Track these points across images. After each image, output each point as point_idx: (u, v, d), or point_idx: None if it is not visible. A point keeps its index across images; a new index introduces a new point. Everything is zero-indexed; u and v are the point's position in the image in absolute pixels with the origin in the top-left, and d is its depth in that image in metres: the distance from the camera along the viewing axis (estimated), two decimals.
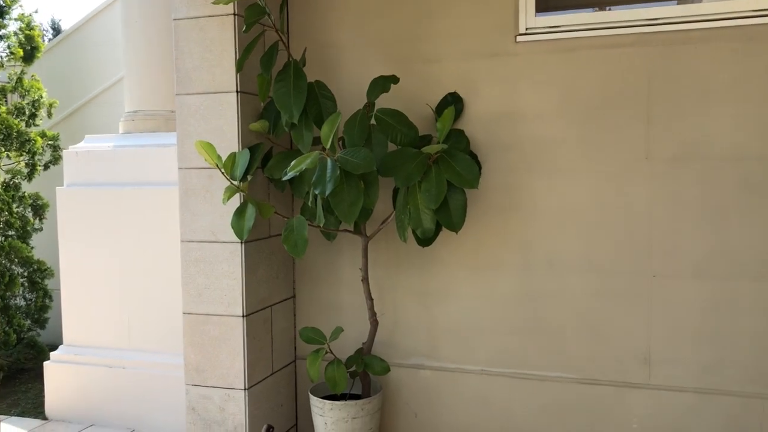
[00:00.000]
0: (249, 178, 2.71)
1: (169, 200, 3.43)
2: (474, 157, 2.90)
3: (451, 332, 3.10)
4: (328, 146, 2.38)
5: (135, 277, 3.56)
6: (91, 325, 3.64)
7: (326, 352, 2.89)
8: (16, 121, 4.26)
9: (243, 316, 2.93)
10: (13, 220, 4.16)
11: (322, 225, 2.53)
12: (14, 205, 4.19)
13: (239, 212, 2.67)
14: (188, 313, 3.02)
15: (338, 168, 2.34)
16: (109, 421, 3.56)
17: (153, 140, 3.62)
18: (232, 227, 2.69)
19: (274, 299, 3.16)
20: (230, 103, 2.87)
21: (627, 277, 2.85)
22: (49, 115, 4.62)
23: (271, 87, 2.71)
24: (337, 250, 3.23)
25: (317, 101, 2.68)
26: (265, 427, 1.92)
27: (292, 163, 2.37)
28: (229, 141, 2.89)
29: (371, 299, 2.94)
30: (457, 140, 2.69)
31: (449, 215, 2.56)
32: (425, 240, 2.69)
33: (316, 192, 2.32)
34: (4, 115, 4.23)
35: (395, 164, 2.52)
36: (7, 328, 4.18)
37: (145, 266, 3.54)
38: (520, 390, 3.02)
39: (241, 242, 2.89)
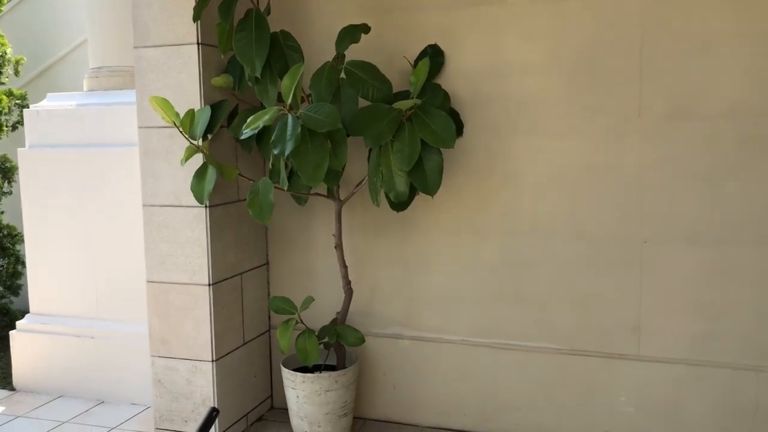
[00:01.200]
0: (209, 137, 2.51)
1: (136, 162, 3.23)
2: (455, 115, 2.70)
3: (430, 301, 2.94)
4: (289, 101, 2.18)
5: (103, 243, 3.38)
6: (59, 293, 3.48)
7: (297, 323, 2.73)
8: None
9: (209, 284, 2.76)
10: None
11: (286, 188, 2.34)
12: None
13: (199, 174, 2.48)
14: (152, 282, 2.85)
15: (299, 126, 2.14)
16: (78, 392, 3.42)
17: (118, 98, 3.41)
18: (192, 190, 2.50)
19: (244, 266, 2.99)
20: (191, 57, 2.66)
21: (616, 243, 2.68)
22: (16, 72, 4.39)
23: (233, 38, 2.49)
24: (311, 214, 3.05)
25: (282, 53, 2.47)
26: (208, 410, 1.77)
27: (248, 120, 2.18)
28: (190, 97, 2.68)
29: (345, 267, 2.77)
30: (433, 95, 2.48)
31: (424, 177, 2.36)
32: (399, 204, 2.51)
33: (275, 152, 2.13)
34: None
35: (365, 122, 2.32)
36: None
37: (113, 232, 3.37)
38: (503, 361, 2.87)
39: (205, 206, 2.71)
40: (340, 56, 2.46)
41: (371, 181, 2.45)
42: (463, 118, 2.75)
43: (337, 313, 2.85)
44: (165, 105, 2.39)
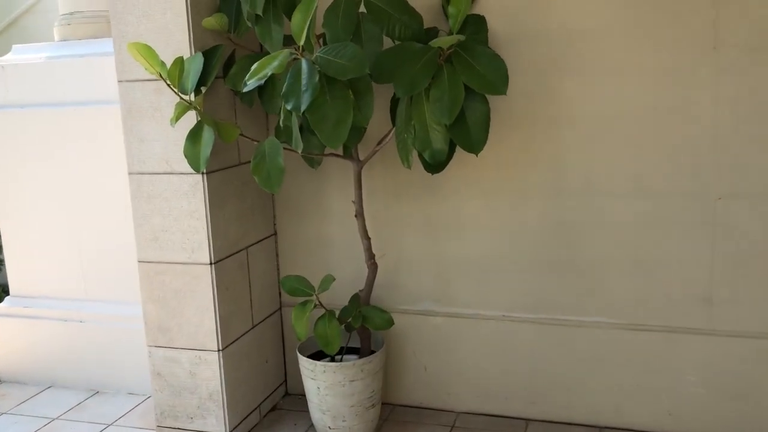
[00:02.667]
0: (203, 90, 2.08)
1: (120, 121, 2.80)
2: None
3: (465, 272, 2.56)
4: (301, 42, 1.75)
5: (87, 215, 2.98)
6: (40, 272, 3.09)
7: (315, 305, 2.35)
8: None
9: (211, 263, 2.37)
10: None
11: (300, 151, 1.93)
12: None
13: (193, 136, 2.07)
14: (144, 262, 2.45)
15: (317, 72, 1.72)
16: (70, 382, 3.07)
17: (96, 48, 2.95)
18: (186, 155, 2.09)
19: (249, 239, 2.60)
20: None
21: (685, 201, 2.29)
22: None
23: None
24: (324, 176, 2.65)
25: None
26: None
27: (253, 67, 1.75)
28: (178, 43, 2.24)
29: (368, 238, 2.38)
30: (477, 30, 2.04)
31: (467, 132, 1.95)
32: (435, 165, 2.09)
33: (289, 108, 1.71)
34: None
35: (393, 65, 1.89)
36: None
37: (98, 202, 2.96)
38: (550, 338, 2.51)
39: (202, 173, 2.30)
40: None
41: (400, 139, 2.03)
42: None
43: (360, 290, 2.47)
44: (147, 52, 1.96)
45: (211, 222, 2.35)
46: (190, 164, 2.07)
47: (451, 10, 1.89)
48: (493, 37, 2.30)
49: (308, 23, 1.74)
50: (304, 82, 1.70)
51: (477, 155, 1.99)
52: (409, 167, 2.04)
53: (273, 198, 2.75)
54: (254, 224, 2.62)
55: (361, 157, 2.32)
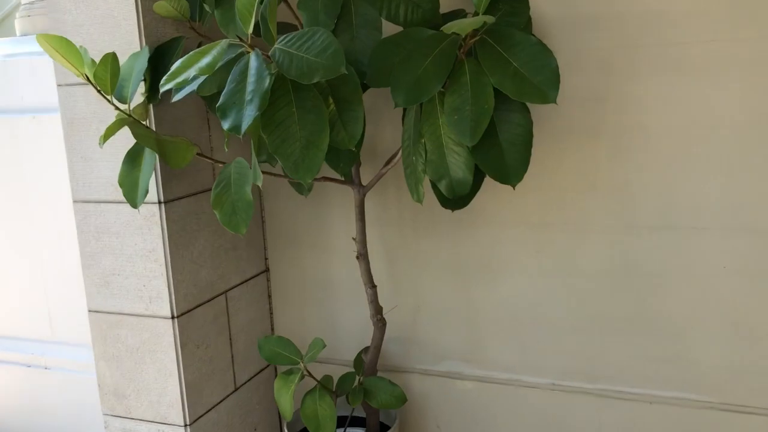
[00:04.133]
0: (151, 97, 1.55)
1: None
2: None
3: (504, 326, 1.98)
4: (249, 29, 1.20)
5: (54, 244, 2.49)
6: (3, 308, 2.63)
7: (303, 375, 1.80)
8: None
9: (173, 317, 1.85)
10: None
11: (259, 183, 1.38)
12: None
13: (131, 159, 1.54)
14: (94, 311, 1.95)
15: (269, 74, 1.16)
16: None
17: None
18: (120, 185, 1.57)
19: (231, 281, 2.07)
20: None
21: None
22: None
23: None
24: (327, 200, 2.10)
25: None
26: None
27: (175, 65, 1.21)
28: (125, 35, 1.72)
29: (373, 286, 1.82)
30: (514, 11, 1.43)
31: (499, 156, 1.36)
32: (455, 200, 1.51)
33: (226, 126, 1.16)
34: None
35: (392, 61, 1.32)
36: None
37: (65, 229, 2.47)
38: (614, 416, 1.91)
39: (159, 203, 1.78)
40: None
41: (407, 162, 1.47)
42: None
43: (365, 350, 1.92)
44: (64, 47, 1.44)
45: (173, 264, 1.83)
46: (125, 196, 1.54)
47: None
48: (537, 22, 1.71)
49: (263, 2, 1.19)
50: (249, 88, 1.15)
51: (514, 187, 1.40)
52: (419, 201, 1.47)
53: (264, 227, 2.22)
54: (237, 262, 2.10)
55: (365, 182, 1.76)
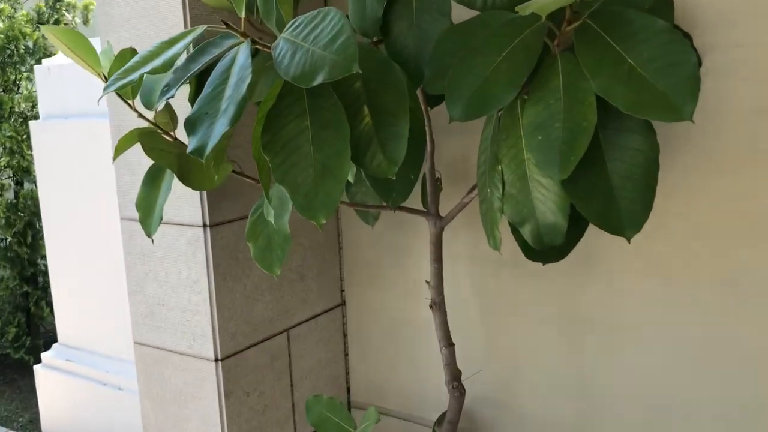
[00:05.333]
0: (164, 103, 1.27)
1: None
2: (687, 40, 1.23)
3: (624, 405, 1.52)
4: (242, 12, 0.87)
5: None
6: (86, 319, 2.52)
7: None
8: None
9: (216, 359, 1.58)
10: (26, 164, 3.12)
11: (272, 220, 1.05)
12: (25, 146, 3.14)
13: (150, 180, 1.27)
14: (139, 344, 1.73)
15: (251, 72, 0.82)
16: None
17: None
18: (137, 209, 1.30)
19: (295, 317, 1.77)
20: None
21: None
22: (86, 21, 3.48)
23: None
24: (414, 227, 1.75)
25: None
26: None
27: (134, 60, 0.91)
28: (172, 30, 1.47)
29: (450, 344, 1.43)
30: None
31: (608, 194, 0.93)
32: (544, 252, 1.08)
33: (190, 149, 0.84)
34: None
35: (453, 57, 0.94)
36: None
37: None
38: None
39: (204, 226, 1.52)
40: None
41: (483, 194, 1.08)
42: (699, 48, 1.27)
43: (437, 424, 1.54)
44: (74, 41, 1.20)
45: (218, 298, 1.55)
46: (140, 222, 1.28)
47: None
48: (682, 11, 1.25)
49: None
50: (227, 92, 0.83)
51: (629, 240, 0.96)
52: (495, 248, 1.07)
53: (341, 254, 1.90)
54: (305, 294, 1.79)
55: (444, 212, 1.39)
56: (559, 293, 1.55)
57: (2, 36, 2.99)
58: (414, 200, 1.33)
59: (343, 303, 1.93)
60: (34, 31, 3.20)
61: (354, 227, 1.84)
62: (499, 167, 1.01)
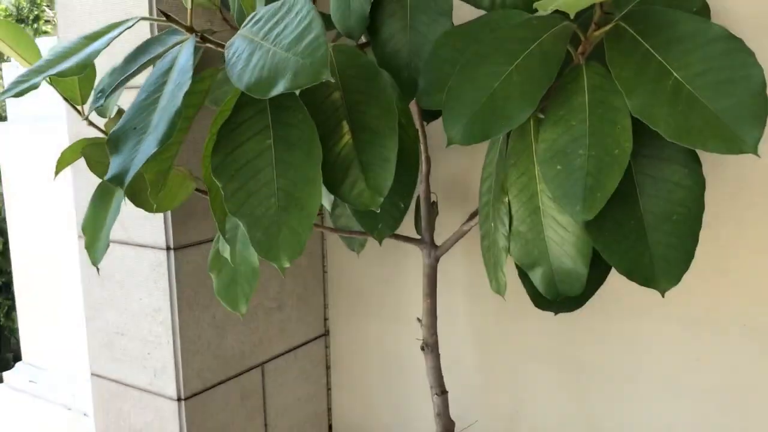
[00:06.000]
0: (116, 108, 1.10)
1: None
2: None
3: None
4: (188, 2, 0.70)
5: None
6: (51, 337, 2.34)
7: None
8: None
9: (179, 398, 1.40)
10: None
11: (228, 257, 0.87)
12: None
13: (100, 196, 1.09)
14: (96, 375, 1.55)
15: (190, 79, 0.65)
16: None
17: None
18: (83, 232, 1.12)
19: (270, 349, 1.60)
20: None
21: None
22: None
23: None
24: (405, 254, 1.57)
25: None
26: None
27: (39, 62, 0.73)
28: (135, 29, 1.29)
29: (443, 392, 1.26)
30: None
31: (641, 238, 0.76)
32: (556, 302, 0.91)
33: (108, 176, 0.67)
34: None
35: (447, 63, 0.77)
36: None
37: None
38: None
39: (167, 249, 1.34)
40: None
41: (485, 228, 0.90)
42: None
43: None
44: (11, 35, 1.02)
45: (182, 329, 1.38)
46: (86, 248, 1.10)
47: None
48: (726, 20, 1.08)
49: None
50: (162, 103, 0.66)
51: (663, 294, 0.79)
52: (498, 292, 0.90)
53: (325, 280, 1.73)
54: (282, 324, 1.61)
55: (439, 240, 1.21)
56: (569, 334, 1.37)
57: None
58: (407, 225, 1.16)
59: (326, 333, 1.75)
60: None
61: (341, 249, 1.67)
62: (506, 198, 0.83)
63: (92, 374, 1.55)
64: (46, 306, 2.33)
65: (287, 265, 0.71)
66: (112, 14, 1.35)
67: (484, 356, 1.48)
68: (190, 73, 0.65)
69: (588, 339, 1.35)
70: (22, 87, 0.67)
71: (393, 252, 1.58)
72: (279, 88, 0.61)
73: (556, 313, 0.93)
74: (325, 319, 1.74)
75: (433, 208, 1.24)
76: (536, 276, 0.84)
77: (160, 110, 0.64)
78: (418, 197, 1.19)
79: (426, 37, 0.86)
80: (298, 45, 0.61)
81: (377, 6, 0.89)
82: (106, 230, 1.04)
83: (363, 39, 0.92)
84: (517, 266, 0.87)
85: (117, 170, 0.64)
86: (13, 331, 3.18)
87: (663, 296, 0.78)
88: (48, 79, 1.04)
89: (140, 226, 1.37)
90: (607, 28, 0.72)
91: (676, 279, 0.76)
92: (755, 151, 0.63)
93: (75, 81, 1.07)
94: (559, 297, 0.84)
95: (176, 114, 0.62)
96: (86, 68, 0.67)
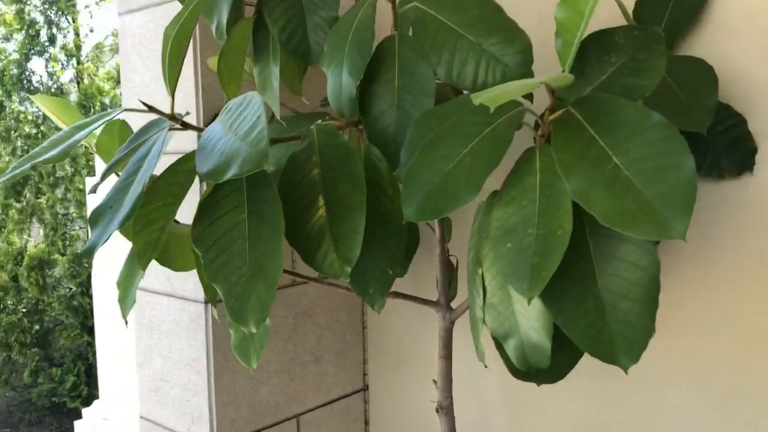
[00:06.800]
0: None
1: None
2: (736, 121, 1.07)
3: None
4: (172, 89, 0.78)
5: None
6: (125, 378, 2.49)
7: None
8: None
9: None
10: None
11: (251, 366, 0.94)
12: None
13: (131, 257, 1.19)
14: (144, 419, 1.65)
15: (153, 163, 0.72)
16: None
17: None
18: (117, 287, 1.23)
19: (307, 402, 1.65)
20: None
21: None
22: None
23: None
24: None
25: None
26: None
27: (41, 145, 0.82)
28: (184, 99, 1.43)
29: None
30: (637, 66, 0.82)
31: (599, 316, 0.77)
32: (527, 372, 0.91)
33: (83, 250, 0.75)
34: None
35: (417, 148, 0.82)
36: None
37: None
38: None
39: (205, 302, 1.44)
40: None
41: (471, 297, 0.93)
42: (756, 128, 1.09)
43: None
44: (61, 109, 1.17)
45: (217, 379, 1.46)
46: (118, 302, 1.20)
47: (558, 14, 0.74)
48: (733, 86, 1.08)
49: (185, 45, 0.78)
50: (132, 187, 0.73)
51: (626, 371, 0.79)
52: (480, 359, 0.92)
53: (365, 334, 1.78)
54: (319, 378, 1.67)
55: (455, 304, 1.24)
56: (590, 400, 1.35)
57: (81, 94, 3.11)
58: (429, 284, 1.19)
59: (365, 388, 1.79)
60: (113, 88, 3.31)
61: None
62: (480, 270, 0.86)
63: (140, 417, 1.66)
64: (121, 348, 2.49)
65: (254, 330, 0.77)
66: (163, 88, 1.49)
67: (503, 419, 1.47)
68: (155, 161, 0.73)
69: (612, 405, 1.32)
70: (15, 173, 0.78)
71: (430, 309, 1.61)
72: (230, 174, 0.68)
73: (538, 384, 0.94)
74: (364, 374, 1.78)
75: (452, 270, 1.27)
76: (509, 347, 0.86)
77: (130, 193, 0.73)
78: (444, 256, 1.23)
79: (411, 115, 0.92)
80: (250, 135, 0.69)
81: (369, 87, 0.95)
82: (135, 287, 1.14)
83: (353, 118, 0.99)
84: (495, 340, 0.89)
85: (89, 244, 0.74)
86: None
87: (626, 373, 0.79)
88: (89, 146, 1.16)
89: (183, 280, 1.48)
90: (559, 113, 0.75)
91: (635, 357, 0.77)
92: (683, 238, 0.64)
93: (114, 151, 1.19)
94: (531, 369, 0.86)
95: (138, 198, 0.70)
96: (67, 156, 0.77)
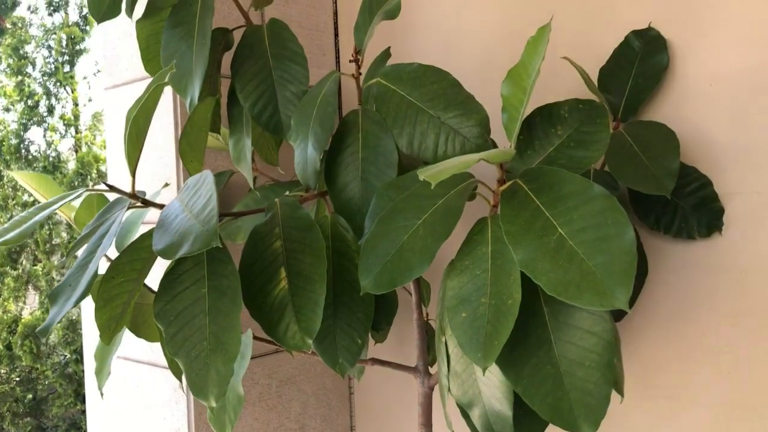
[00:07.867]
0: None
1: None
2: (705, 192, 1.09)
3: None
4: (134, 171, 0.79)
5: None
6: None
7: None
8: None
9: None
10: None
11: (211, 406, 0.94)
12: None
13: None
14: None
15: (106, 241, 0.74)
16: None
17: None
18: (94, 358, 1.23)
19: None
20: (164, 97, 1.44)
21: None
22: None
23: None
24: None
25: (266, 62, 1.11)
26: None
27: (9, 222, 0.85)
28: (165, 171, 1.46)
29: None
30: (583, 138, 0.85)
31: (557, 384, 0.76)
32: None
33: (39, 328, 0.76)
34: None
35: (377, 221, 0.83)
36: None
37: None
38: None
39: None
40: (360, 55, 1.01)
41: (438, 364, 0.94)
42: (722, 190, 1.11)
43: None
44: (43, 185, 1.19)
45: None
46: (95, 374, 1.20)
47: (503, 90, 0.77)
48: (694, 149, 1.10)
49: (143, 134, 0.80)
50: (89, 266, 0.75)
51: None
52: (449, 427, 0.92)
53: (351, 400, 1.76)
54: None
55: (433, 369, 1.24)
56: None
57: (78, 162, 3.16)
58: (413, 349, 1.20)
59: None
60: None
61: (366, 371, 1.70)
62: (443, 338, 0.87)
63: None
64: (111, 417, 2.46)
65: (214, 404, 0.77)
66: (145, 159, 1.52)
67: None
68: (111, 240, 0.75)
69: None
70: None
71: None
72: (182, 252, 0.70)
73: None
74: (351, 428, 1.76)
75: (428, 334, 1.27)
76: (474, 416, 0.86)
77: (87, 272, 0.75)
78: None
79: (374, 185, 0.94)
80: (202, 213, 0.71)
81: (335, 158, 0.98)
82: (110, 359, 1.14)
83: (318, 190, 1.01)
84: (460, 407, 0.89)
85: (46, 323, 0.75)
86: None
87: None
88: (71, 220, 1.19)
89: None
90: (507, 185, 0.77)
91: (595, 424, 0.76)
92: (626, 307, 0.65)
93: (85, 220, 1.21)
94: None
95: (93, 276, 0.72)
96: (26, 237, 0.79)
